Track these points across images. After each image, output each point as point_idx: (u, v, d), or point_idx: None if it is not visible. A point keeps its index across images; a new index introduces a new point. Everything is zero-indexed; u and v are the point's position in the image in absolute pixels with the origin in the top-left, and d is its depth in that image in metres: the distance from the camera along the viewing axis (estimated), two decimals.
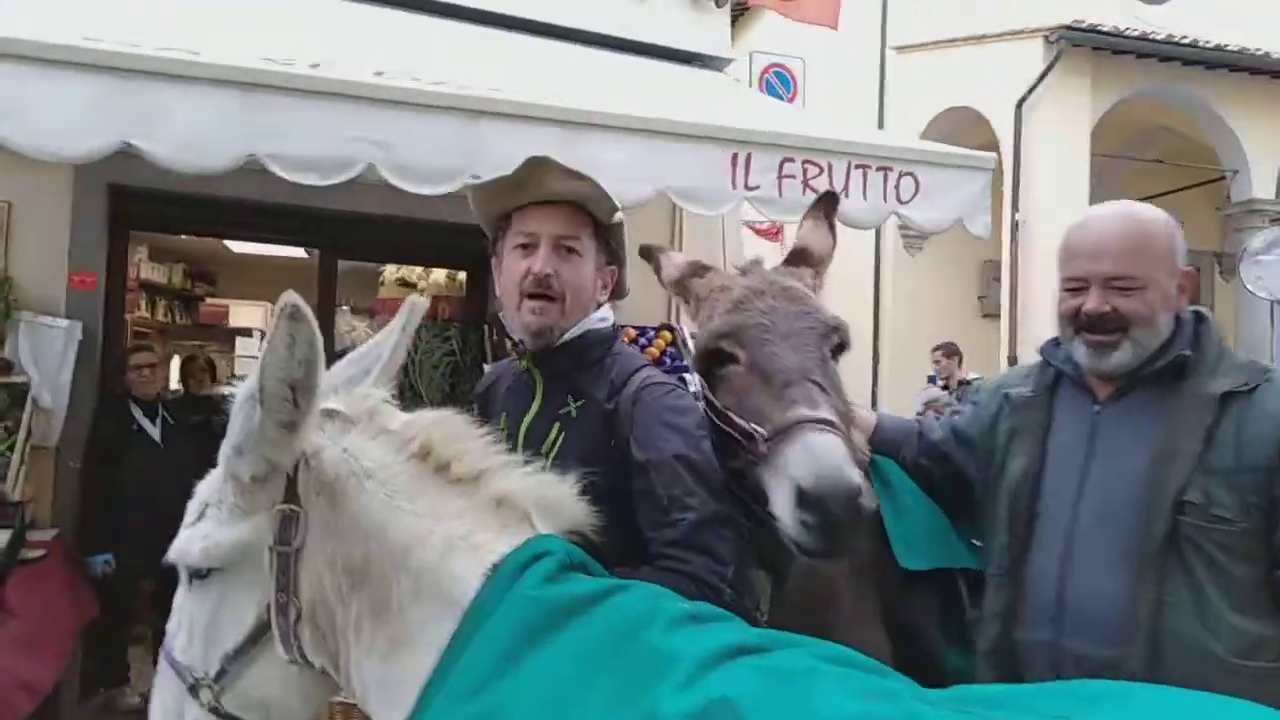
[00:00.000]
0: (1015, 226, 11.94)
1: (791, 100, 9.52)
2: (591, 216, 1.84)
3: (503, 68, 4.41)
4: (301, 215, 5.46)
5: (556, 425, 1.79)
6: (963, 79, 12.73)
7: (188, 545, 1.46)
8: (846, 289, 13.53)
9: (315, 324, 1.30)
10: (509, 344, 1.97)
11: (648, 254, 2.12)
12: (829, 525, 1.40)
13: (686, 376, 2.88)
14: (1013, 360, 12.10)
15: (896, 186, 4.12)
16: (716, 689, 1.02)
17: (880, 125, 13.44)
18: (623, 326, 6.13)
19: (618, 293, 1.95)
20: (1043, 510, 1.87)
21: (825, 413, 1.53)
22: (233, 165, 3.42)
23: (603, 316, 1.88)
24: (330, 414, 1.47)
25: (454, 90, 3.68)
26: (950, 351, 9.86)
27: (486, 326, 6.25)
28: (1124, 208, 1.93)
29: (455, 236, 4.47)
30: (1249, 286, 10.12)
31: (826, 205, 2.07)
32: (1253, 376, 1.77)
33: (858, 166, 4.05)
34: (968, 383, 9.16)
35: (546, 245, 1.79)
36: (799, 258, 1.96)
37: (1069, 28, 11.49)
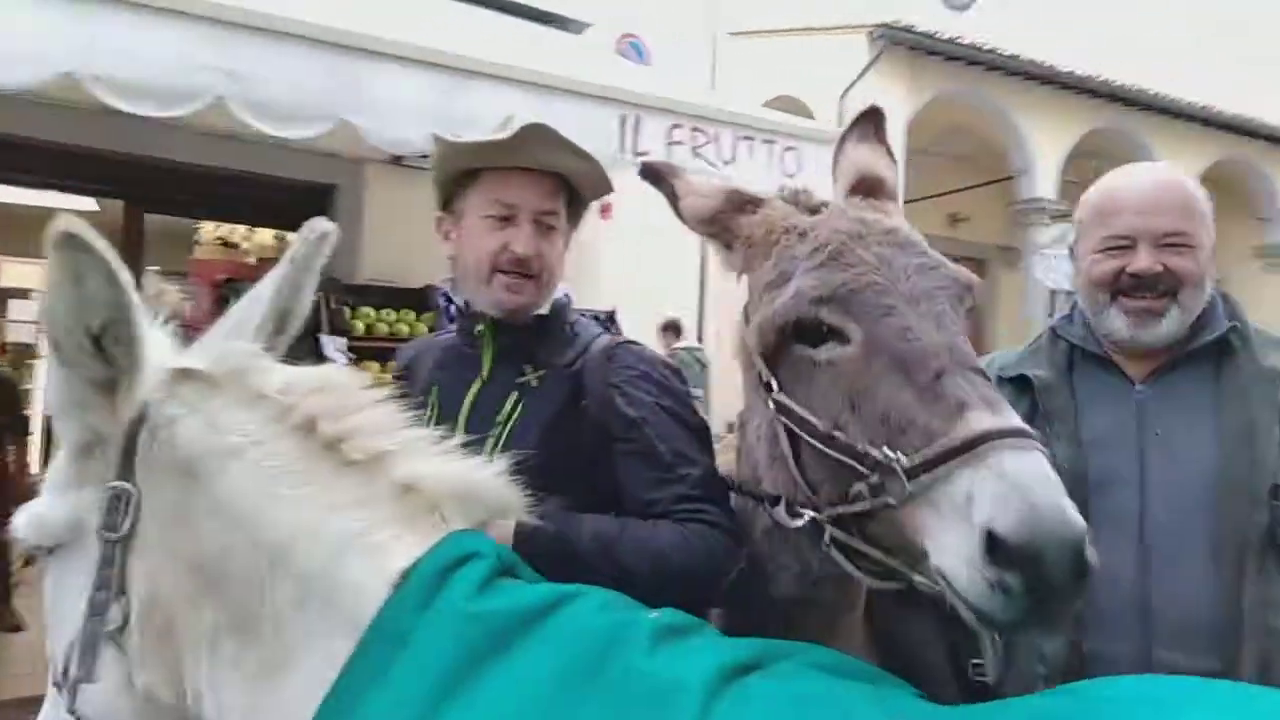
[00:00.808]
0: None
1: None
2: (571, 191, 1.74)
3: (375, 7, 3.99)
4: (97, 160, 4.77)
5: (514, 395, 1.68)
6: (790, 68, 13.13)
7: (19, 517, 1.20)
8: (672, 266, 13.76)
9: (107, 251, 1.03)
10: (456, 313, 1.84)
11: (655, 176, 1.58)
12: (1043, 589, 0.93)
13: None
14: None
15: (782, 160, 4.10)
16: None
17: None
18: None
19: None
20: (1099, 505, 1.60)
21: (1015, 418, 1.05)
22: (44, 83, 2.86)
23: (563, 289, 1.81)
24: (187, 374, 1.19)
25: (321, 21, 3.27)
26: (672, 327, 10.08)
27: (322, 295, 5.75)
28: (1158, 167, 1.81)
29: (286, 192, 4.03)
30: (1039, 277, 11.07)
31: (876, 123, 1.61)
32: None
33: (745, 138, 3.99)
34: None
35: (528, 221, 1.68)
36: (872, 189, 1.47)
37: (889, 26, 12.10)
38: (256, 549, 1.10)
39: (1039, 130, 13.75)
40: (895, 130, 12.65)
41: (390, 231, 5.94)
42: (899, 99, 12.71)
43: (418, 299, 6.21)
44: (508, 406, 1.66)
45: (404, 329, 6.00)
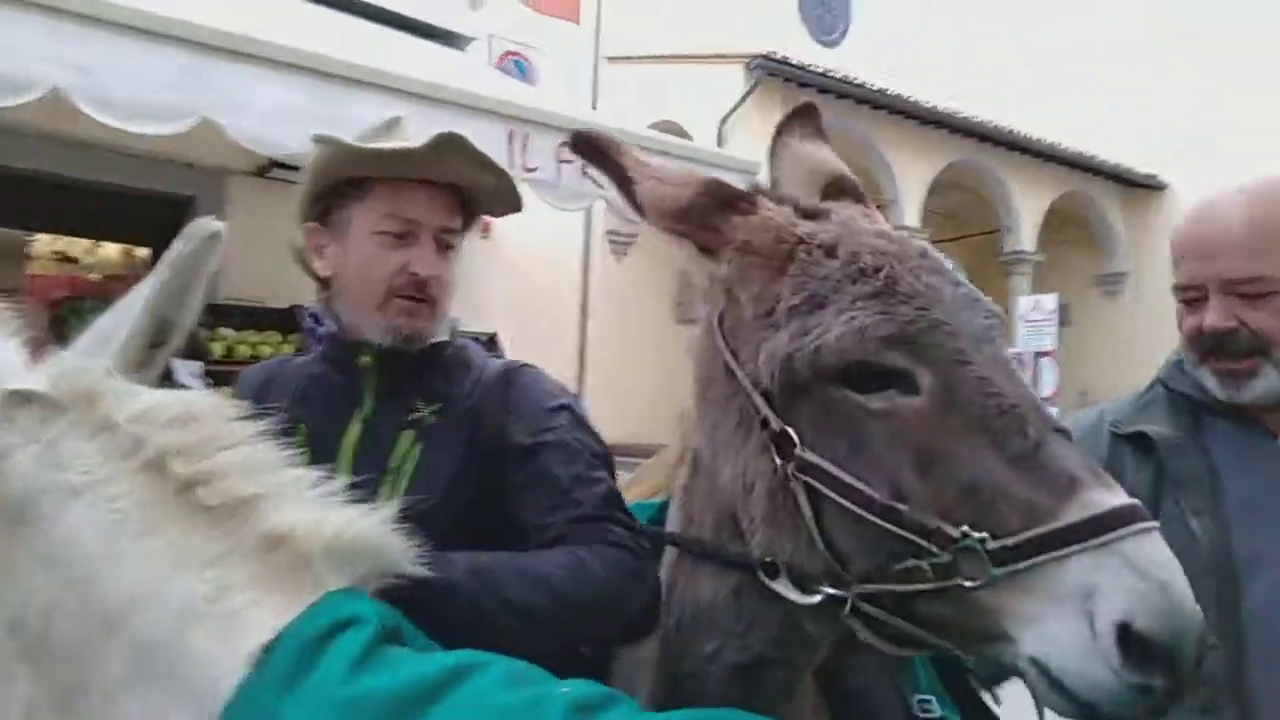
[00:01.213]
0: None
1: None
2: (471, 208, 1.61)
3: (249, 7, 3.72)
4: None
5: (408, 435, 1.49)
6: (670, 94, 13.32)
7: None
8: (554, 289, 13.66)
9: None
10: (325, 339, 1.58)
11: (594, 151, 1.27)
12: (1179, 688, 0.86)
13: None
14: None
15: None
16: None
17: None
18: None
19: None
20: (1254, 587, 1.38)
21: (1128, 498, 0.92)
22: None
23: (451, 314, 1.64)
24: (25, 397, 1.00)
25: (175, 16, 3.00)
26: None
27: None
28: (1253, 187, 1.46)
29: (138, 204, 3.71)
30: None
31: (817, 123, 1.44)
32: None
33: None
34: None
35: (429, 239, 1.53)
36: (850, 191, 1.31)
37: (765, 58, 12.44)
38: (87, 611, 0.91)
39: (904, 162, 14.39)
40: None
41: (253, 247, 5.55)
42: (773, 129, 13.04)
43: (282, 320, 5.85)
44: (402, 446, 1.48)
45: (267, 351, 5.63)
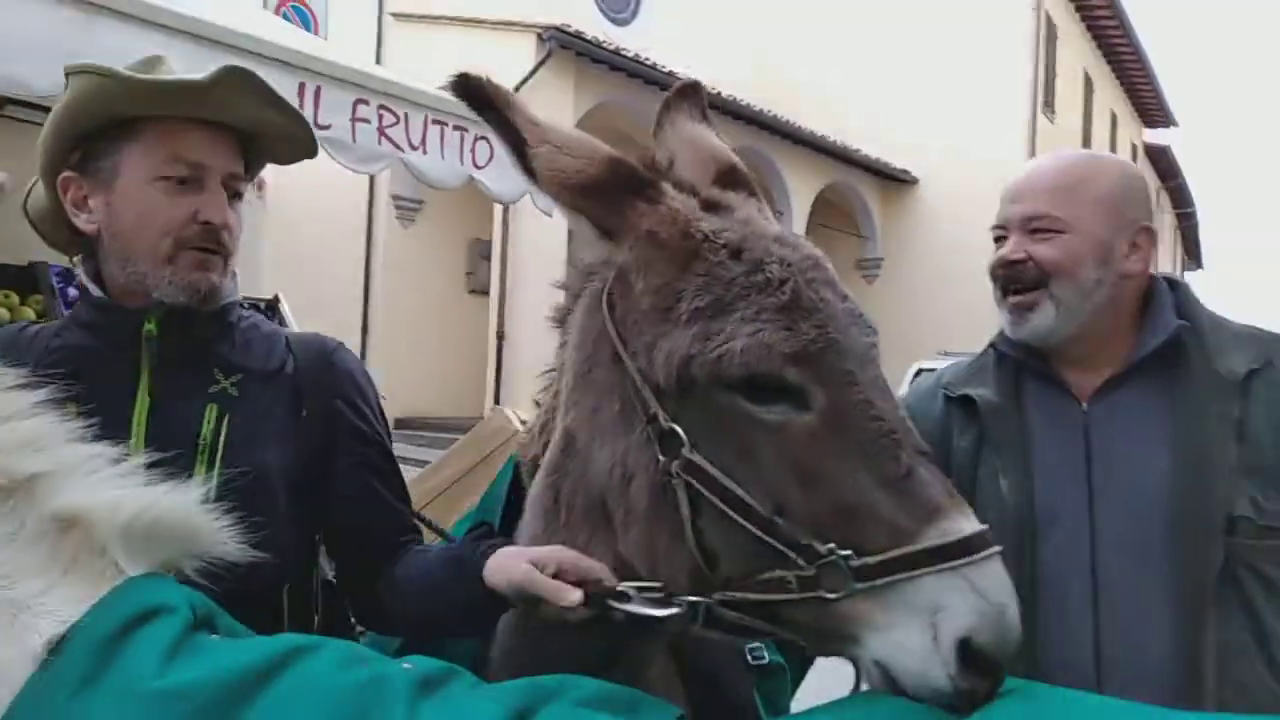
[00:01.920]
0: (506, 207, 12.53)
1: None
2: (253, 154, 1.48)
3: None
4: None
5: (213, 408, 1.39)
6: (461, 59, 12.91)
7: None
8: (336, 254, 12.98)
9: None
10: (85, 304, 1.43)
11: (484, 100, 1.14)
12: (993, 689, 0.95)
13: None
14: (501, 336, 12.75)
15: (473, 149, 3.96)
16: None
17: None
18: None
19: None
20: (1049, 543, 1.48)
21: (979, 522, 0.98)
22: None
23: None
24: None
25: None
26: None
27: None
28: (1072, 150, 1.62)
29: None
30: None
31: (703, 105, 1.37)
32: (1264, 347, 1.47)
33: (435, 121, 3.79)
34: None
35: (217, 185, 1.38)
36: (740, 182, 1.26)
37: (559, 30, 12.37)
38: None
39: None
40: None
41: None
42: (564, 102, 13.04)
43: (22, 278, 5.17)
44: (208, 422, 1.37)
45: (3, 314, 4.97)
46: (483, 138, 3.96)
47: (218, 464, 1.34)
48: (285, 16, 8.26)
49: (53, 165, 1.39)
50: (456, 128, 3.87)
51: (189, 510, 0.94)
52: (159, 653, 0.80)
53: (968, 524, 0.97)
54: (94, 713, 0.76)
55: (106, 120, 1.35)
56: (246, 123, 1.42)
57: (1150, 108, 26.02)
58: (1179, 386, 1.46)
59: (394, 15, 13.68)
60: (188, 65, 3.14)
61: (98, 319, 1.41)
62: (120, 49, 2.87)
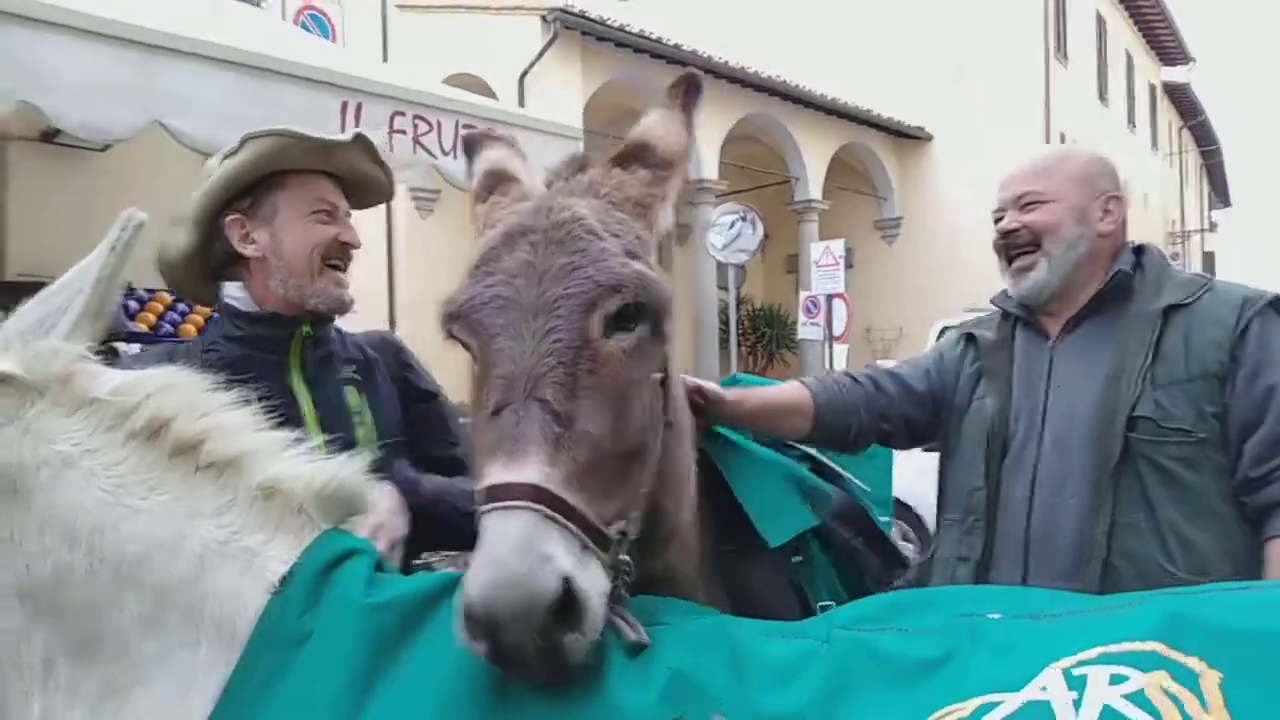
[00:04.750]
0: None
1: None
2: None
3: None
4: None
5: (352, 390, 1.79)
6: (468, 47, 13.03)
7: None
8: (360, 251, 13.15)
9: None
10: (236, 317, 1.77)
11: (469, 148, 1.46)
12: (504, 658, 0.92)
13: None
14: None
15: None
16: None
17: None
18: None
19: None
20: (1011, 451, 1.83)
21: (530, 472, 0.97)
22: None
23: None
24: (1, 379, 1.11)
25: None
26: None
27: None
28: (1053, 145, 2.11)
29: None
30: (710, 251, 12.08)
31: (686, 90, 1.43)
32: (1194, 288, 1.76)
33: (466, 126, 3.94)
34: None
35: (345, 218, 1.80)
36: (633, 156, 1.32)
37: (563, 10, 12.42)
38: (100, 565, 1.04)
39: (701, 116, 14.81)
40: (573, 112, 13.07)
41: (38, 220, 5.12)
42: (573, 82, 13.12)
43: None
44: (353, 402, 1.77)
45: None
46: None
47: (370, 429, 1.75)
48: (304, 26, 8.39)
49: (211, 213, 1.73)
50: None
51: (359, 479, 1.17)
52: (362, 580, 1.05)
53: (505, 473, 0.97)
54: (320, 625, 1.01)
55: (268, 172, 1.73)
56: (358, 175, 1.83)
57: (1166, 44, 25.48)
58: (1119, 322, 1.79)
59: (399, 6, 13.75)
60: (253, 97, 3.33)
61: (254, 330, 1.75)
62: (179, 86, 3.06)
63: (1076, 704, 0.78)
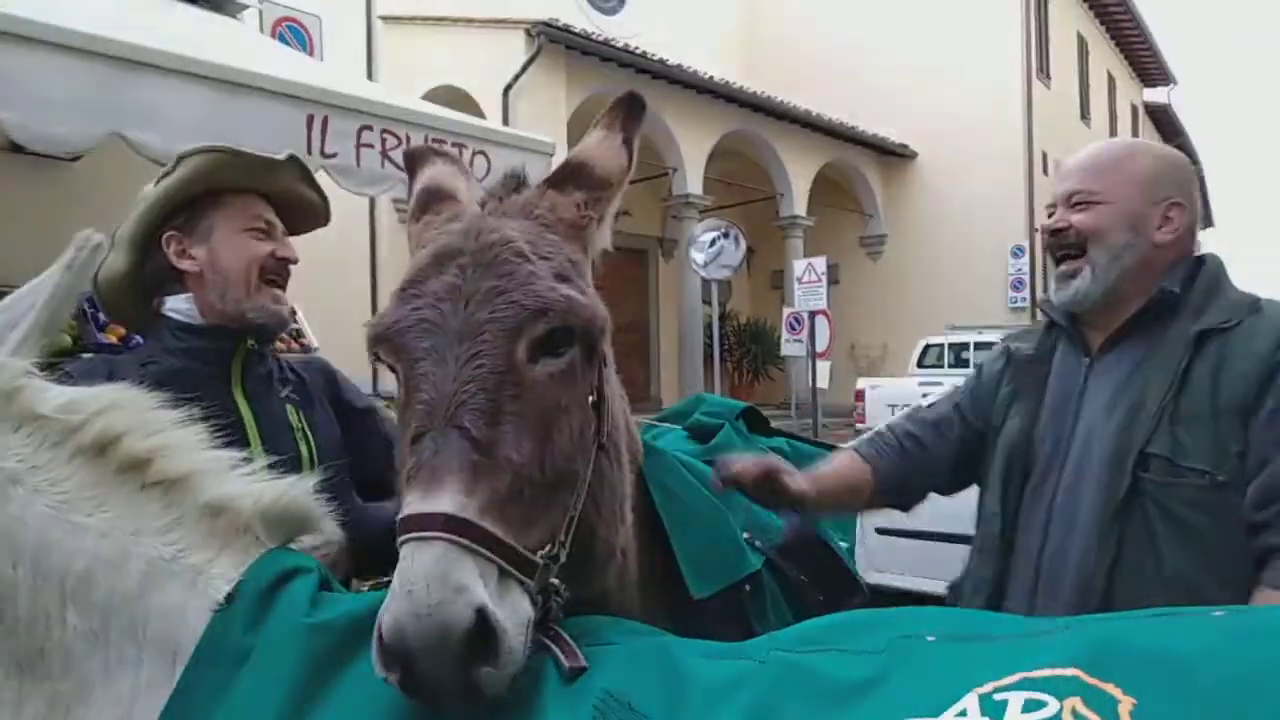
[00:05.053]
0: None
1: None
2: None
3: None
4: None
5: (291, 407, 1.78)
6: (453, 60, 13.04)
7: None
8: (342, 262, 13.13)
9: None
10: (179, 330, 1.75)
11: (409, 165, 1.43)
12: (421, 690, 0.91)
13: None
14: None
15: (470, 164, 4.10)
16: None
17: None
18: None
19: None
20: (1033, 477, 1.69)
21: (444, 502, 0.95)
22: None
23: None
24: None
25: None
26: None
27: None
28: (1107, 140, 1.83)
29: None
30: (694, 266, 12.09)
31: (626, 111, 1.38)
32: (1236, 312, 1.57)
33: (435, 140, 3.93)
34: None
35: (281, 235, 1.81)
36: (569, 176, 1.29)
37: (547, 24, 12.45)
38: (44, 582, 1.05)
39: (686, 130, 14.89)
40: (558, 126, 13.10)
41: (6, 230, 5.08)
42: (557, 96, 13.13)
43: None
44: (295, 420, 1.76)
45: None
46: (480, 152, 4.12)
47: (312, 447, 1.73)
48: (282, 37, 8.36)
49: (148, 230, 1.72)
50: (455, 145, 4.02)
51: (306, 498, 1.17)
52: (306, 599, 1.05)
53: (422, 504, 0.95)
54: (263, 641, 1.01)
55: (204, 190, 1.73)
56: (292, 198, 1.84)
57: (1148, 66, 25.80)
58: (1155, 346, 1.61)
59: (383, 19, 13.75)
60: (219, 110, 3.31)
61: (196, 344, 1.73)
62: (151, 102, 3.04)
63: None
